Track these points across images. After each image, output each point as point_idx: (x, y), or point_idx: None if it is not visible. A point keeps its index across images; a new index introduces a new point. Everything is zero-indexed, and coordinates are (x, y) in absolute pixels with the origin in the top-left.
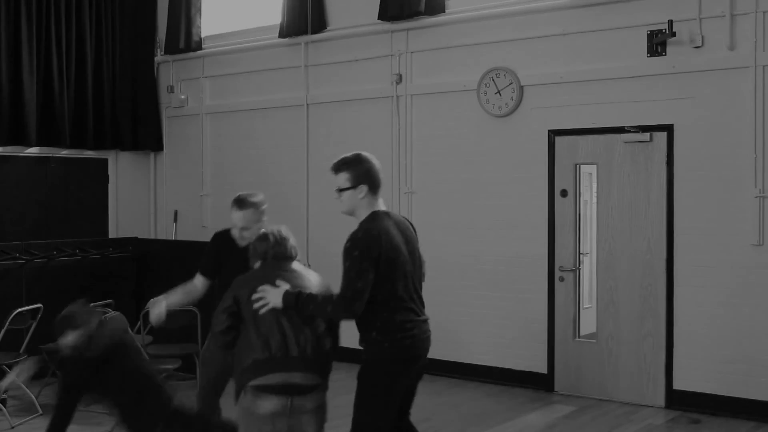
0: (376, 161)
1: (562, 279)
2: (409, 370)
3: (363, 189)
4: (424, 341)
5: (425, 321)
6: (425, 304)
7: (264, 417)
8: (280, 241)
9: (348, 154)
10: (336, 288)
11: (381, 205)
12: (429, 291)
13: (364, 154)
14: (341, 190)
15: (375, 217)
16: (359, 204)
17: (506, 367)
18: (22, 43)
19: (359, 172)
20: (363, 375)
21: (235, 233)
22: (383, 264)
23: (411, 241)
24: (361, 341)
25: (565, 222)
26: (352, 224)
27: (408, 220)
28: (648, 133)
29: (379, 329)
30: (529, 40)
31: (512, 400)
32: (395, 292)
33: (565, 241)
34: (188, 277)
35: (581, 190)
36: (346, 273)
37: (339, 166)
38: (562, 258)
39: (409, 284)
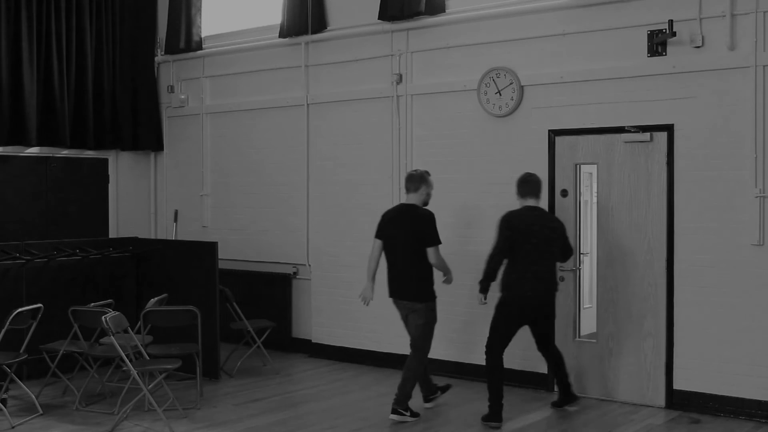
0: None
1: (562, 279)
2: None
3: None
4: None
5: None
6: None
7: None
8: None
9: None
10: None
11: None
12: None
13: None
14: None
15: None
16: None
17: (506, 367)
18: (22, 43)
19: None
20: None
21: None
22: None
23: None
24: None
25: (565, 222)
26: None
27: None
28: (648, 133)
29: None
30: (529, 40)
31: (512, 400)
32: None
33: None
34: (188, 276)
35: (581, 190)
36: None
37: None
38: None
39: None
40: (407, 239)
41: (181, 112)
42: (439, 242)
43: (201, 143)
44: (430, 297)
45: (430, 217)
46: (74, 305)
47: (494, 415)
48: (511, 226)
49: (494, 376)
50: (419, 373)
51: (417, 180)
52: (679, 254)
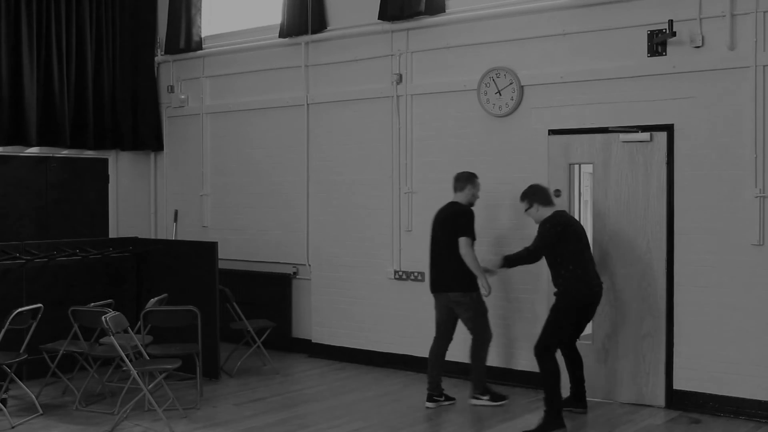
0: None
1: None
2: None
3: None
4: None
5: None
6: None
7: None
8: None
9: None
10: None
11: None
12: (429, 290)
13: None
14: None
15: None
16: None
17: (506, 367)
18: (22, 43)
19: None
20: None
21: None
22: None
23: None
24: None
25: None
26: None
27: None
28: (648, 133)
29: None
30: (529, 40)
31: (512, 400)
32: None
33: None
34: (188, 276)
35: (581, 190)
36: None
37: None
38: None
39: None
40: (445, 233)
41: (181, 112)
42: (470, 236)
43: (201, 143)
44: (470, 288)
45: (465, 212)
46: (74, 305)
47: (560, 420)
48: (563, 224)
49: (557, 380)
50: (483, 357)
51: (463, 180)
52: (679, 254)
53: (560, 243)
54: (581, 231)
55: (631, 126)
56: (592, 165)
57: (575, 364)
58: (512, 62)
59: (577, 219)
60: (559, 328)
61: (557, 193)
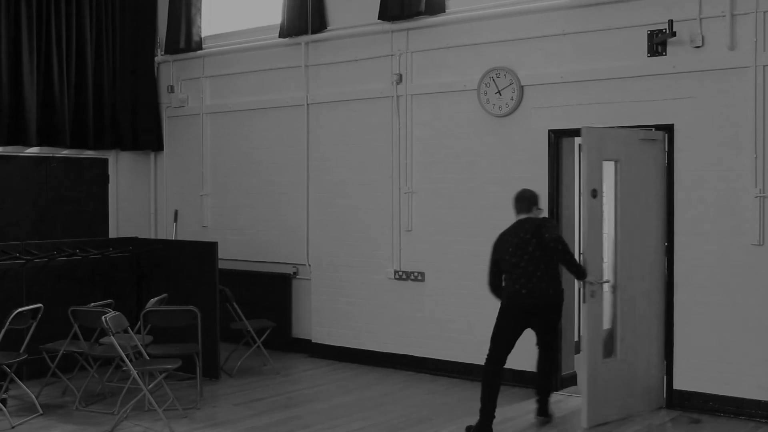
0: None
1: None
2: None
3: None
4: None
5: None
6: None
7: None
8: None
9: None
10: None
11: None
12: (430, 290)
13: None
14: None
15: None
16: None
17: (506, 367)
18: (22, 43)
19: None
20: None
21: None
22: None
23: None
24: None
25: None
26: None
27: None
28: (662, 132)
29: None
30: (529, 40)
31: (512, 400)
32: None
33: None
34: (188, 276)
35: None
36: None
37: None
38: None
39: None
40: None
41: (181, 112)
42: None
43: (201, 143)
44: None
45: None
46: (74, 305)
47: (487, 427)
48: (495, 247)
49: (488, 391)
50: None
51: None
52: (679, 254)
53: (498, 260)
54: (515, 246)
55: (631, 126)
56: (615, 162)
57: (543, 372)
58: (512, 62)
59: (539, 221)
60: (494, 334)
61: (594, 193)
